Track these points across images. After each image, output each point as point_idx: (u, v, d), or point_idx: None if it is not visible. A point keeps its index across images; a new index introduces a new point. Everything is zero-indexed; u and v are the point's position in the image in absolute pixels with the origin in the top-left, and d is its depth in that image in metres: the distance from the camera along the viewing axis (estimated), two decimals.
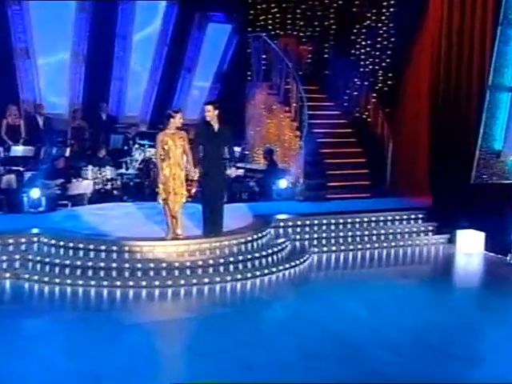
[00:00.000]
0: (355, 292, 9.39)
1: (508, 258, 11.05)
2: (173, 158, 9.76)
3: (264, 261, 10.23)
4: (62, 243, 9.81)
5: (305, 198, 13.17)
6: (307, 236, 11.51)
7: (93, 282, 9.23)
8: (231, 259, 9.93)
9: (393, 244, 11.84)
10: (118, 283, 9.23)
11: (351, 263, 11.13)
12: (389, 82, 15.00)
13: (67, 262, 9.52)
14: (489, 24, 11.94)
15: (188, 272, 9.59)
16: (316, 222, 11.71)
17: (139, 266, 9.48)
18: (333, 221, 11.81)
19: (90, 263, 9.47)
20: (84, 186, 12.72)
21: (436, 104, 12.46)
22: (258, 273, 9.90)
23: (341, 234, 11.70)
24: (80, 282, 9.24)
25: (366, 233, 11.86)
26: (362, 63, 15.63)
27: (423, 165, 13.03)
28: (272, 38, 16.38)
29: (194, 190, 10.97)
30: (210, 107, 10.03)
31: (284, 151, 15.09)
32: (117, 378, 6.60)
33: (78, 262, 9.50)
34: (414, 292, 9.58)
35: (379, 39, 15.29)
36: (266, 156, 14.45)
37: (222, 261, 9.85)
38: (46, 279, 9.33)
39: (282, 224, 11.56)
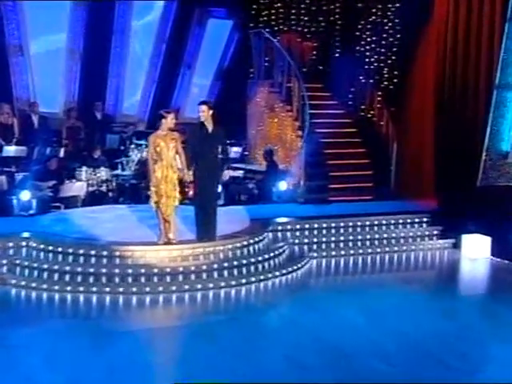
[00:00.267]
0: (354, 299, 9.34)
1: None
2: (165, 160, 9.75)
3: (260, 266, 10.21)
4: (50, 248, 9.83)
5: (305, 201, 13.14)
6: (306, 240, 11.48)
7: (81, 288, 9.22)
8: (225, 264, 9.91)
9: (395, 249, 11.79)
10: (108, 289, 9.22)
11: (351, 269, 11.08)
12: (394, 80, 14.95)
13: (56, 268, 9.52)
14: (497, 20, 11.86)
15: (180, 278, 9.57)
16: (316, 225, 11.69)
17: (130, 271, 9.47)
18: (333, 224, 11.79)
19: (79, 269, 9.47)
20: (77, 187, 12.73)
21: (441, 103, 12.42)
22: (253, 279, 9.87)
23: (341, 238, 11.67)
24: (68, 289, 9.23)
25: (368, 237, 11.83)
26: (366, 60, 15.57)
27: (429, 166, 13.00)
28: (275, 34, 16.36)
29: (191, 192, 10.97)
30: (204, 107, 10.02)
31: (285, 152, 15.04)
32: None
33: (67, 268, 9.50)
34: (416, 299, 9.52)
35: (385, 35, 15.22)
36: (265, 157, 14.41)
37: (215, 266, 9.83)
38: (34, 285, 9.33)
39: (280, 228, 11.55)
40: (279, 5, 16.88)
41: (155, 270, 9.52)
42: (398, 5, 14.87)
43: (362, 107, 15.48)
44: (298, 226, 11.62)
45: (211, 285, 9.53)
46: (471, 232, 11.76)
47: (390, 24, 15.17)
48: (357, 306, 9.00)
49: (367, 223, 11.99)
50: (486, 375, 7.13)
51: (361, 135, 14.86)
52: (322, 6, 16.85)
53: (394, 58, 15.03)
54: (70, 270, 9.48)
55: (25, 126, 14.88)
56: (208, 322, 8.55)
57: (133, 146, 14.67)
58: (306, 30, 17.14)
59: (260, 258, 10.30)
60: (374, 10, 15.52)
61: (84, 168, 13.37)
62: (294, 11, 17.02)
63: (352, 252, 11.49)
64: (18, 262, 9.74)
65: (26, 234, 10.23)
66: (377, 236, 11.89)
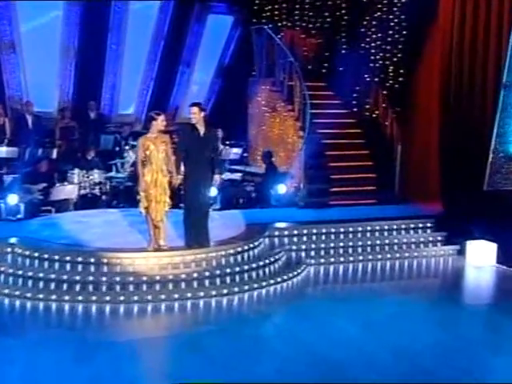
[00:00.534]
0: (351, 309, 9.30)
1: None
2: (154, 164, 9.73)
3: (254, 274, 10.18)
4: (36, 254, 9.84)
5: (305, 205, 13.09)
6: (304, 246, 11.45)
7: (67, 297, 9.21)
8: (218, 272, 9.89)
9: (397, 255, 11.73)
10: (94, 298, 9.21)
11: (350, 277, 11.05)
12: (400, 79, 14.87)
13: (41, 275, 9.52)
14: (505, 17, 11.79)
15: (170, 286, 9.56)
16: (314, 230, 11.66)
17: (117, 279, 9.46)
18: (333, 230, 11.75)
19: (64, 276, 9.47)
20: (68, 190, 12.72)
21: (447, 103, 12.37)
22: (246, 287, 9.84)
23: (341, 244, 11.63)
24: (53, 297, 9.22)
25: (369, 243, 11.79)
26: (371, 58, 15.49)
27: (434, 169, 12.93)
28: (277, 30, 16.32)
29: None
30: (195, 109, 9.99)
31: (287, 153, 14.98)
32: None
33: (53, 275, 9.49)
34: (416, 310, 9.45)
35: (390, 32, 15.15)
36: (264, 159, 14.36)
37: (207, 274, 9.81)
38: (18, 293, 9.32)
39: (277, 233, 11.52)
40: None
41: (144, 278, 9.51)
42: (403, 0, 14.79)
43: (367, 107, 15.40)
44: (295, 232, 11.58)
45: (202, 293, 9.51)
46: (476, 238, 11.68)
47: (395, 20, 15.09)
48: (353, 317, 8.98)
49: (368, 228, 11.94)
50: None
51: (365, 136, 14.79)
52: (327, 1, 16.77)
53: (399, 55, 14.97)
54: (56, 277, 9.48)
55: (17, 126, 14.87)
56: (197, 332, 8.52)
57: (128, 147, 14.65)
58: (310, 25, 17.06)
59: (254, 265, 10.27)
60: (379, 6, 15.45)
61: (76, 170, 13.35)
62: (297, 6, 16.96)
63: (351, 259, 11.44)
64: (2, 269, 9.73)
65: (12, 240, 10.24)
66: (378, 242, 11.84)
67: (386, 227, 12.06)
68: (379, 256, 11.61)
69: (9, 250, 10.07)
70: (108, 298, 9.24)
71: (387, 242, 11.89)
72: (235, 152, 15.63)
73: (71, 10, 15.65)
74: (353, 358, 7.69)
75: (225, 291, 9.64)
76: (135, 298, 9.28)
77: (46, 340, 8.15)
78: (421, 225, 12.28)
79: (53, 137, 15.10)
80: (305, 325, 8.68)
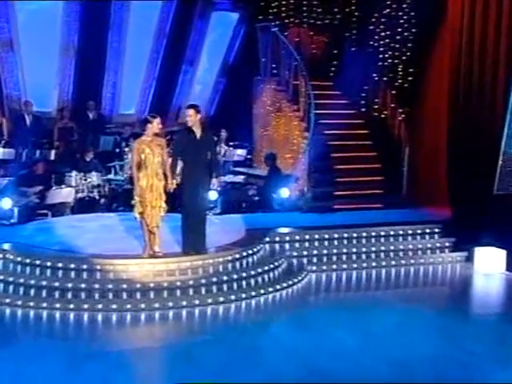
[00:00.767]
0: (351, 319, 9.22)
1: None
2: (150, 168, 9.74)
3: (252, 281, 10.17)
4: (28, 261, 9.87)
5: (309, 209, 13.06)
6: (305, 252, 11.42)
7: (58, 305, 9.23)
8: (214, 279, 9.88)
9: (403, 262, 11.69)
10: (86, 306, 9.23)
11: (354, 284, 11.01)
12: (409, 78, 14.80)
13: (32, 282, 9.55)
14: None
15: (165, 294, 9.56)
16: (317, 236, 11.64)
17: (110, 286, 9.47)
18: (336, 235, 11.73)
19: (56, 283, 9.49)
20: (64, 194, 12.75)
21: (456, 104, 12.29)
22: (243, 295, 9.83)
23: (344, 250, 11.60)
24: (44, 305, 9.25)
25: (373, 249, 11.75)
26: (380, 56, 15.42)
27: (443, 171, 12.85)
28: (284, 28, 16.31)
29: None
30: (191, 111, 9.99)
31: (292, 155, 14.96)
32: None
33: (44, 282, 9.52)
34: (419, 320, 9.34)
35: (399, 29, 15.07)
36: (267, 161, 14.34)
37: (203, 281, 9.80)
38: (8, 301, 9.35)
39: (278, 238, 11.51)
40: None
41: (138, 286, 9.52)
42: None
43: (375, 107, 15.34)
44: (297, 237, 11.57)
45: (197, 301, 9.52)
46: (485, 244, 11.61)
47: (405, 17, 15.01)
48: (354, 327, 8.92)
49: (373, 234, 11.90)
50: None
51: (372, 137, 14.76)
52: None
53: (409, 54, 14.89)
54: (47, 284, 9.50)
55: (15, 127, 14.97)
56: (192, 343, 8.51)
57: (128, 148, 14.64)
58: (318, 22, 17.03)
59: (253, 273, 10.27)
60: (388, 2, 15.38)
61: (74, 172, 13.39)
62: (305, 2, 16.93)
63: (355, 266, 11.40)
64: None
65: (5, 246, 10.28)
66: (383, 248, 11.80)
67: (392, 233, 12.01)
68: (384, 263, 11.57)
69: (0, 256, 10.09)
70: (100, 306, 9.25)
71: (392, 248, 11.84)
72: (239, 153, 15.66)
73: (71, 6, 15.68)
74: (349, 371, 7.65)
75: (221, 299, 9.64)
76: (128, 306, 9.29)
77: (35, 350, 8.14)
78: (428, 230, 12.23)
79: (51, 137, 15.18)
80: (302, 335, 8.65)
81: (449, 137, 12.48)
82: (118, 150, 14.99)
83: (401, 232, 12.08)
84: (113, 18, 16.22)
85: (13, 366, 7.66)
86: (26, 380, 7.35)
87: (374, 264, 11.50)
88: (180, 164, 10.14)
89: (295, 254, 11.38)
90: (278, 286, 10.24)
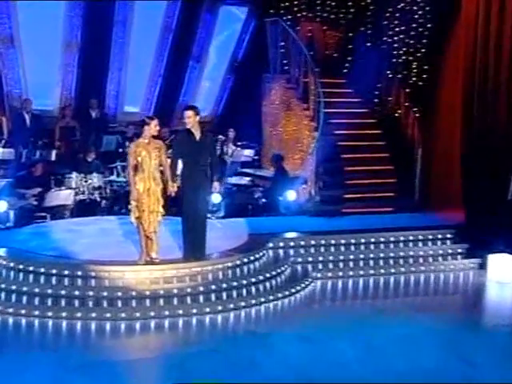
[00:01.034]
0: (357, 330, 9.14)
1: None
2: (147, 171, 9.75)
3: (253, 289, 10.15)
4: (21, 266, 9.90)
5: (317, 213, 13.02)
6: (311, 259, 11.39)
7: (50, 313, 9.26)
8: (213, 287, 9.87)
9: (413, 269, 11.63)
10: (79, 315, 9.25)
11: (360, 293, 10.96)
12: (424, 76, 14.71)
13: (25, 289, 9.59)
14: None
15: (161, 302, 9.57)
16: (323, 241, 11.62)
17: (105, 294, 9.49)
18: (343, 241, 11.70)
19: (49, 291, 9.53)
20: (63, 196, 12.79)
21: (470, 103, 12.20)
22: (243, 304, 9.81)
23: (351, 256, 11.56)
24: (36, 313, 9.28)
25: (382, 255, 11.70)
26: (394, 53, 15.35)
27: (458, 174, 12.76)
28: (295, 22, 16.27)
29: None
30: (190, 113, 9.97)
31: (302, 156, 14.90)
32: None
33: (37, 289, 9.55)
34: (427, 332, 9.18)
35: (414, 25, 14.99)
36: (273, 162, 14.32)
37: (201, 289, 9.80)
38: (0, 308, 9.39)
39: (281, 244, 11.48)
40: None
41: (133, 293, 9.53)
42: None
43: (388, 106, 15.27)
44: (302, 243, 11.55)
45: (195, 310, 9.51)
46: (500, 251, 11.53)
47: (420, 12, 14.93)
48: (358, 339, 8.84)
49: (382, 239, 11.85)
50: None
51: (385, 137, 14.69)
52: None
53: (423, 50, 14.81)
54: (40, 291, 9.54)
55: (14, 126, 15.01)
56: (186, 354, 8.49)
57: None
58: (332, 16, 16.95)
59: (254, 280, 10.24)
60: None
61: (74, 174, 13.43)
62: None
63: (362, 273, 11.36)
64: None
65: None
66: (392, 254, 11.75)
67: (402, 238, 11.96)
68: (392, 270, 11.51)
69: None
70: (94, 315, 9.26)
71: (402, 254, 11.79)
72: (247, 154, 15.63)
73: (74, 1, 15.70)
74: None
75: (219, 308, 9.63)
76: (123, 314, 9.30)
77: (24, 361, 8.15)
78: (440, 236, 12.17)
79: (52, 137, 15.20)
80: (301, 346, 8.62)
81: (462, 137, 12.42)
82: (120, 151, 14.98)
83: (411, 237, 12.03)
84: (117, 12, 16.20)
85: (2, 377, 7.69)
86: None
87: (382, 271, 11.45)
88: (180, 167, 10.15)
89: (300, 260, 11.35)
90: (280, 294, 10.22)
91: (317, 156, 13.65)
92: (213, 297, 9.80)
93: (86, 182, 13.52)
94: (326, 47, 16.85)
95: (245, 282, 10.14)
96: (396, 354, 8.46)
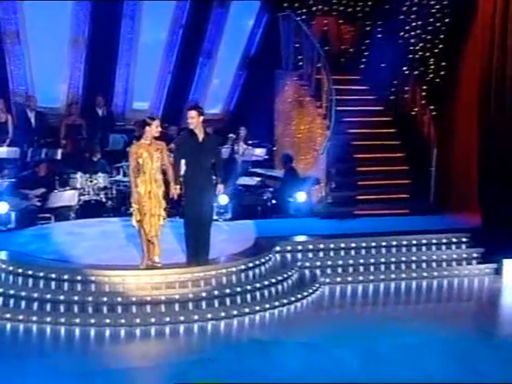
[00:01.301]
0: (361, 338, 9.10)
1: None
2: (148, 173, 9.78)
3: (258, 295, 10.15)
4: (20, 270, 9.96)
5: (328, 215, 12.98)
6: (319, 263, 11.36)
7: (49, 319, 9.32)
8: (216, 293, 9.88)
9: (425, 274, 11.57)
10: (78, 321, 9.31)
11: (370, 299, 10.93)
12: (441, 73, 14.62)
13: (23, 294, 9.65)
14: None
15: (162, 308, 9.59)
16: (332, 245, 11.58)
17: (105, 299, 9.54)
18: (353, 244, 11.65)
19: (48, 296, 9.58)
20: (67, 197, 12.84)
21: (487, 101, 12.14)
22: (247, 310, 9.82)
23: (361, 260, 11.53)
24: (34, 319, 9.34)
25: (393, 260, 11.64)
26: (411, 48, 15.26)
27: (475, 175, 12.68)
28: (310, 17, 16.22)
29: None
30: (193, 113, 9.99)
31: (314, 155, 14.83)
32: None
33: (35, 294, 9.61)
34: (437, 341, 9.05)
35: (431, 20, 14.89)
36: (283, 163, 14.30)
37: (204, 295, 9.81)
38: None
39: (289, 248, 11.46)
40: None
41: (134, 299, 9.57)
42: None
43: (404, 104, 15.18)
44: (310, 246, 11.53)
45: (196, 317, 9.52)
46: None
47: (437, 6, 14.83)
48: (363, 348, 8.78)
49: (394, 243, 11.79)
50: None
51: (400, 137, 14.61)
52: None
53: (441, 46, 14.72)
54: (39, 296, 9.60)
55: (20, 124, 15.08)
56: (187, 362, 8.49)
57: None
58: (349, 10, 16.87)
59: (259, 285, 10.24)
60: None
61: (79, 174, 13.46)
62: None
63: (372, 278, 11.33)
64: None
65: None
66: (404, 259, 11.68)
67: (415, 242, 11.90)
68: (404, 275, 11.47)
69: None
70: (93, 321, 9.32)
71: (414, 258, 11.72)
72: (258, 153, 15.61)
73: None
74: None
75: (222, 314, 9.64)
76: (122, 320, 9.35)
77: (22, 368, 8.21)
78: (454, 239, 12.08)
79: (57, 135, 15.25)
80: (304, 355, 8.59)
81: (480, 137, 12.33)
82: (128, 149, 14.97)
83: (424, 241, 11.96)
84: (125, 7, 16.22)
85: None
86: None
87: (392, 276, 11.42)
88: (183, 168, 10.18)
89: (308, 264, 11.33)
90: (286, 300, 10.20)
91: (328, 156, 13.58)
92: (216, 303, 9.82)
93: (91, 182, 13.55)
94: (341, 42, 16.79)
95: (249, 287, 10.14)
96: (404, 365, 8.38)
